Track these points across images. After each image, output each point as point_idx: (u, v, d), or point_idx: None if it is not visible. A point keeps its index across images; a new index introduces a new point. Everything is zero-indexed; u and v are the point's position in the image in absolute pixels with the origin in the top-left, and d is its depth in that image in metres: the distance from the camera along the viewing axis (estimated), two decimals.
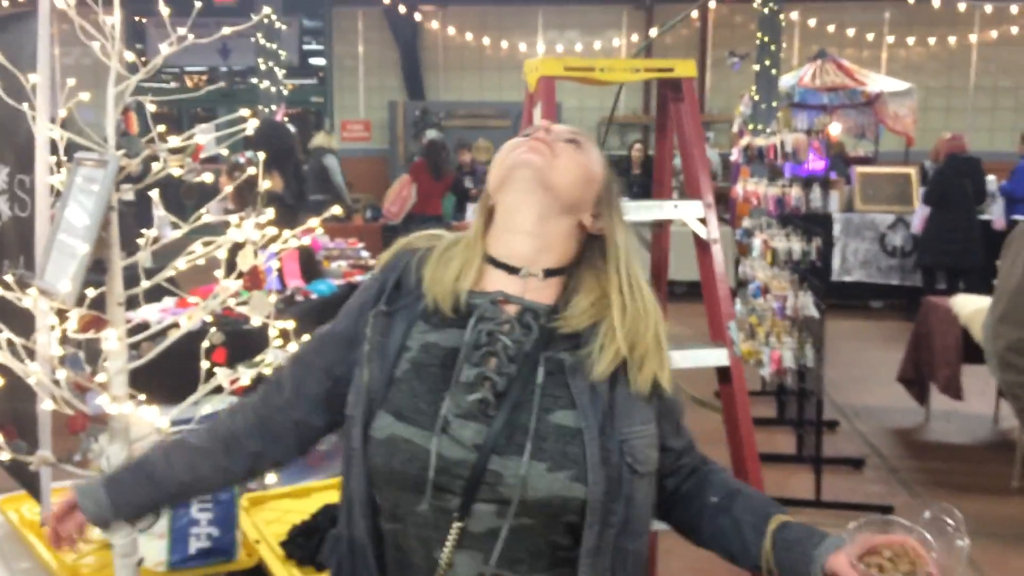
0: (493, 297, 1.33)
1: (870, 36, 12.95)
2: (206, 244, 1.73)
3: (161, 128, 1.72)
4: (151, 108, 1.76)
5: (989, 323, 2.49)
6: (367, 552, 1.32)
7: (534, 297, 1.34)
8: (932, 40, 13.00)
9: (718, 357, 2.44)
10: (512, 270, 1.35)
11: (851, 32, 12.78)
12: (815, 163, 4.70)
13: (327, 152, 10.23)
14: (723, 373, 2.48)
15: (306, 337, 1.53)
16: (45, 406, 1.72)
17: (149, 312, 3.41)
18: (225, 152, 1.81)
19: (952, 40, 12.86)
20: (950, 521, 1.25)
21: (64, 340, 1.69)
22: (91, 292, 1.66)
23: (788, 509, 1.44)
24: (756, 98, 8.84)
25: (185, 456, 1.48)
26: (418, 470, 1.24)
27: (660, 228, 2.86)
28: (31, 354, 1.69)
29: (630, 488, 1.28)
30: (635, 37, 13.45)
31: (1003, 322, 2.40)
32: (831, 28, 12.80)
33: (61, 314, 1.67)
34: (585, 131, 1.46)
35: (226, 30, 1.82)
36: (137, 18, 13.49)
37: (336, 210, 1.94)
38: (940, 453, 5.39)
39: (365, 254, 5.55)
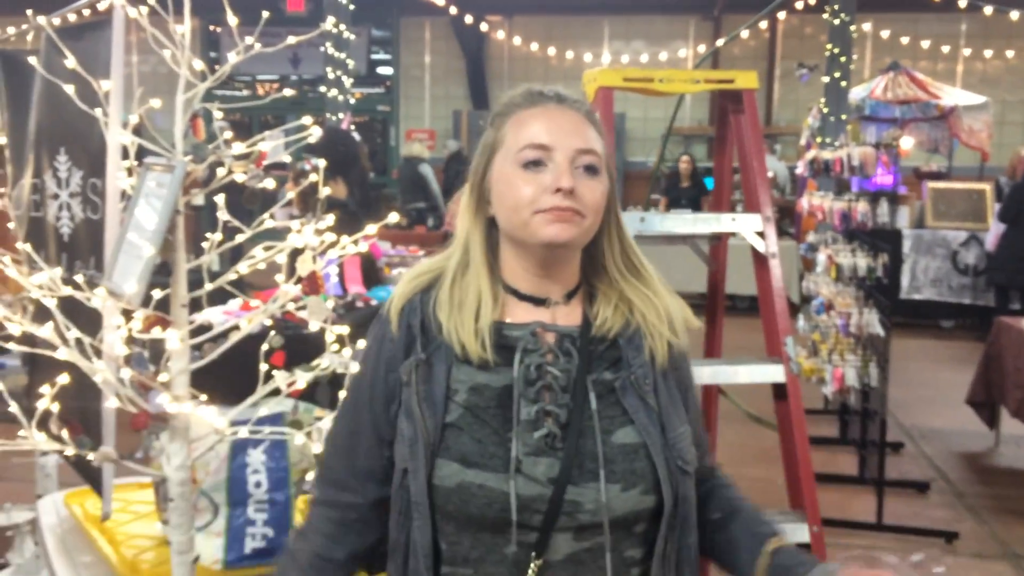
0: (532, 328, 1.32)
1: (945, 48, 12.63)
2: (267, 249, 1.76)
3: (228, 134, 1.76)
4: (218, 115, 1.80)
5: None
6: None
7: (564, 321, 1.35)
8: (1010, 53, 12.62)
9: (774, 373, 2.40)
10: (537, 301, 1.35)
11: (925, 44, 12.49)
12: (883, 177, 4.59)
13: (421, 161, 10.37)
14: (779, 390, 2.44)
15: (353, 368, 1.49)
16: (109, 404, 1.76)
17: (213, 314, 3.48)
18: (288, 159, 1.84)
19: None
20: (938, 569, 1.26)
21: (129, 340, 1.74)
22: (157, 293, 1.70)
23: (847, 531, 1.43)
24: (825, 110, 8.69)
25: None
26: (498, 512, 1.25)
27: (718, 241, 2.83)
28: (98, 353, 1.74)
29: (685, 488, 1.31)
30: (702, 48, 13.34)
31: None
32: (905, 40, 12.53)
33: (127, 314, 1.72)
34: (590, 107, 1.37)
35: (291, 39, 1.85)
36: (212, 27, 13.84)
37: (393, 217, 1.96)
38: (1009, 479, 5.21)
39: (429, 260, 5.58)
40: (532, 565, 1.25)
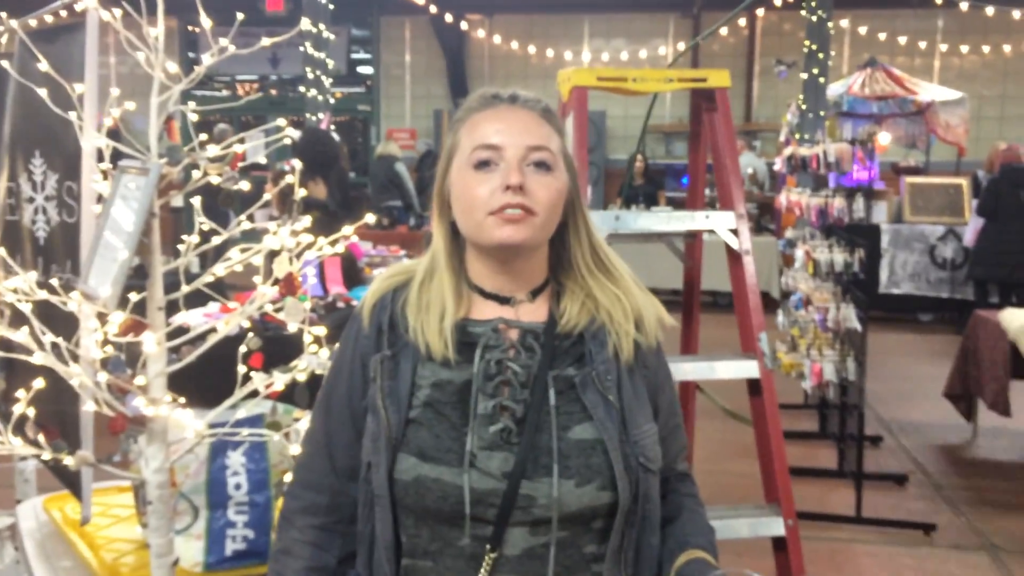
0: (494, 325, 1.34)
1: (922, 44, 12.74)
2: (243, 251, 1.77)
3: (203, 136, 1.76)
4: (193, 117, 1.80)
5: None
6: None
7: (529, 318, 1.36)
8: (986, 48, 12.74)
9: (748, 369, 2.43)
10: (502, 299, 1.37)
11: (903, 40, 12.59)
12: (860, 173, 4.63)
13: (396, 159, 10.36)
14: (754, 385, 2.47)
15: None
16: (87, 407, 1.76)
17: (193, 316, 3.48)
18: (263, 160, 1.84)
19: (1007, 48, 12.60)
20: None
21: (106, 343, 1.74)
22: (133, 296, 1.70)
23: (826, 525, 1.44)
24: (803, 107, 8.75)
25: None
26: (452, 506, 1.26)
27: (693, 238, 2.85)
28: (74, 356, 1.74)
29: (647, 486, 1.32)
30: (682, 45, 13.39)
31: None
32: (882, 36, 12.62)
33: (103, 317, 1.72)
34: (547, 105, 1.39)
35: (266, 41, 1.85)
36: (190, 27, 13.77)
37: (370, 218, 1.97)
38: (986, 470, 5.27)
39: (407, 261, 5.58)
40: (487, 558, 1.26)
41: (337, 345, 1.47)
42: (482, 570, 1.26)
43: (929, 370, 6.97)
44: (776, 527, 2.52)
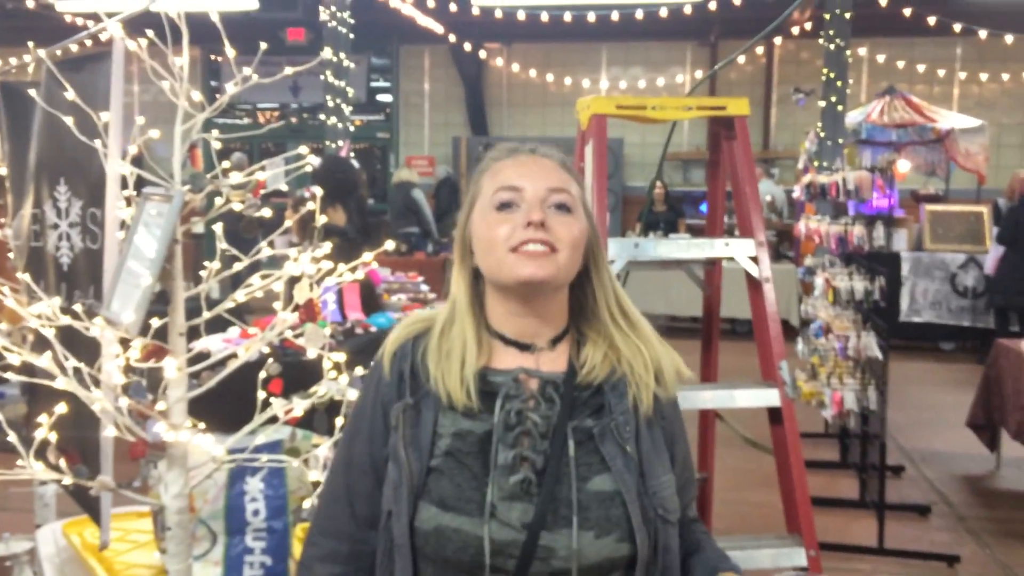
0: (514, 375, 1.35)
1: (941, 72, 12.72)
2: (264, 277, 1.78)
3: (226, 164, 1.78)
4: (216, 145, 1.82)
5: None
6: None
7: (549, 367, 1.37)
8: (1005, 76, 12.69)
9: (768, 398, 2.41)
10: (522, 347, 1.37)
11: (921, 68, 12.57)
12: (880, 201, 4.62)
13: (413, 186, 10.41)
14: (775, 414, 2.45)
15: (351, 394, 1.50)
16: (108, 433, 1.77)
17: (213, 342, 3.50)
18: (284, 188, 1.86)
19: None
20: None
21: (127, 368, 1.75)
22: (155, 322, 1.71)
23: (848, 556, 1.43)
24: (822, 134, 8.74)
25: None
26: (472, 556, 1.27)
27: (712, 265, 2.85)
28: (96, 382, 1.75)
29: (665, 537, 1.32)
30: (699, 73, 13.44)
31: None
32: (900, 64, 12.61)
33: (125, 343, 1.73)
34: (565, 157, 1.43)
35: (288, 70, 1.88)
36: (213, 56, 13.95)
37: (389, 245, 1.98)
38: (1010, 501, 5.19)
39: (425, 288, 5.60)
40: None
41: (360, 372, 1.48)
42: None
43: (951, 399, 6.88)
44: (798, 558, 2.49)
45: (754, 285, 2.47)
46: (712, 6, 10.58)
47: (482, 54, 13.29)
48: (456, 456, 1.31)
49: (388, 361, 1.40)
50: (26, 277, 1.98)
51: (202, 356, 1.85)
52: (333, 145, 8.84)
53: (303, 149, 1.82)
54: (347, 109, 9.02)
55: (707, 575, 1.37)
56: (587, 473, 1.30)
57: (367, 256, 1.96)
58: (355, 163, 6.32)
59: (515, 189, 1.34)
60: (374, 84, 14.90)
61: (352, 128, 9.38)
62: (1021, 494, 5.31)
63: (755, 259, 2.43)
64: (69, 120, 1.80)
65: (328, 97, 8.90)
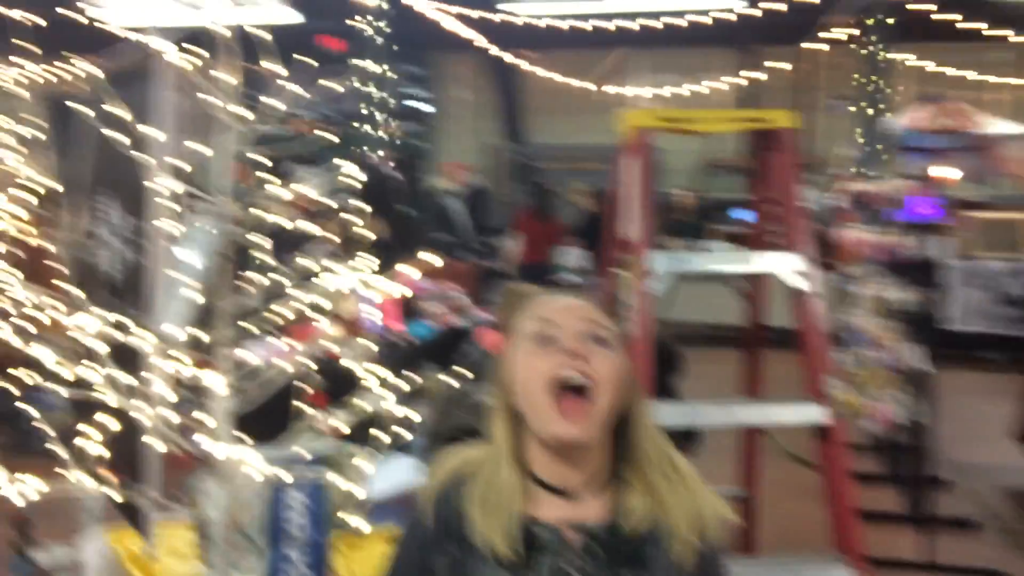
0: (559, 531, 1.32)
1: (984, 78, 12.50)
2: (308, 291, 1.78)
3: (273, 178, 1.79)
4: (263, 160, 1.83)
5: None
6: None
7: (591, 516, 1.34)
8: None
9: (812, 414, 2.37)
10: (564, 493, 1.34)
11: (965, 74, 12.37)
12: (924, 208, 4.53)
13: (448, 194, 10.42)
14: (819, 430, 2.41)
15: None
16: (154, 445, 1.78)
17: (252, 351, 3.51)
18: (327, 200, 1.87)
19: None
20: None
21: (175, 382, 1.76)
22: (200, 335, 1.72)
23: (895, 572, 1.39)
24: (862, 141, 8.63)
25: None
26: None
27: (757, 277, 2.81)
28: (144, 395, 1.76)
29: None
30: (736, 79, 13.33)
31: None
32: (943, 70, 12.42)
33: (172, 357, 1.74)
34: (600, 306, 1.38)
35: (324, 82, 1.88)
36: (252, 66, 14.11)
37: (436, 261, 1.97)
38: None
39: (461, 296, 5.60)
40: None
41: (401, 385, 1.47)
42: None
43: (998, 410, 6.72)
44: None
45: (800, 299, 2.43)
46: (755, 11, 10.50)
47: (518, 62, 13.30)
48: None
49: (430, 506, 1.39)
50: (74, 289, 2.01)
51: (247, 371, 1.85)
52: (372, 155, 8.89)
53: (347, 164, 1.82)
54: (384, 119, 9.07)
55: None
56: None
57: (405, 267, 1.96)
58: (395, 174, 6.35)
59: (552, 323, 1.32)
60: (411, 93, 14.99)
61: (389, 138, 9.43)
62: None
63: (803, 273, 2.39)
64: (121, 136, 1.81)
65: (364, 106, 8.96)
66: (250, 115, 1.76)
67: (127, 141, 1.83)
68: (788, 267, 2.39)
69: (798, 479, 4.76)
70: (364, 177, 1.96)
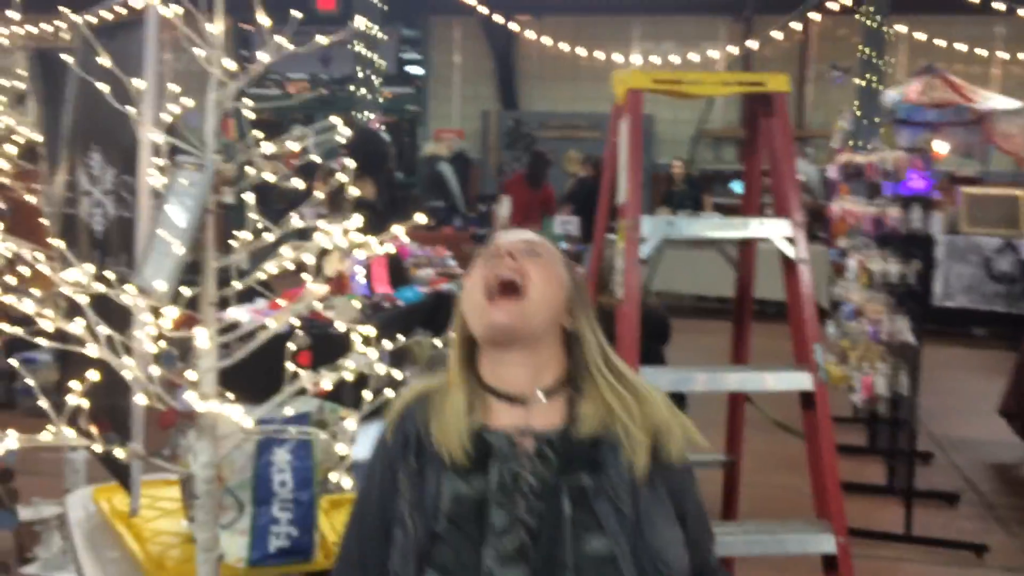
0: (509, 436, 1.36)
1: (981, 51, 12.46)
2: (295, 248, 1.77)
3: (259, 134, 1.76)
4: (250, 114, 1.81)
5: None
6: None
7: (543, 423, 1.37)
8: None
9: (801, 381, 2.38)
10: (515, 400, 1.38)
11: (961, 47, 12.32)
12: (916, 182, 4.53)
13: (441, 159, 10.38)
14: (807, 398, 2.42)
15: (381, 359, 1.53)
16: (138, 401, 1.77)
17: (241, 312, 3.51)
18: (318, 159, 1.85)
19: None
20: None
21: (159, 337, 1.75)
22: (187, 291, 1.71)
23: (874, 543, 1.40)
24: (858, 113, 8.60)
25: None
26: None
27: (746, 245, 2.81)
28: (128, 350, 1.75)
29: None
30: (732, 49, 13.26)
31: None
32: (940, 42, 12.37)
33: (157, 312, 1.73)
34: (549, 243, 1.48)
35: (321, 39, 1.85)
36: (243, 25, 13.95)
37: (420, 218, 1.95)
38: None
39: (452, 262, 5.59)
40: None
41: (388, 346, 1.49)
42: None
43: (983, 386, 6.79)
44: (827, 544, 2.46)
45: (789, 266, 2.43)
46: None
47: (513, 26, 13.19)
48: (455, 521, 1.33)
49: (392, 425, 1.44)
50: (59, 243, 1.99)
51: (232, 326, 1.84)
52: (362, 117, 8.83)
53: (335, 119, 1.80)
54: (377, 81, 9.00)
55: None
56: (583, 534, 1.31)
57: (397, 229, 1.94)
58: (385, 136, 6.31)
59: (498, 246, 1.43)
60: (404, 56, 14.86)
61: (382, 100, 9.36)
62: None
63: (791, 240, 2.39)
64: (103, 87, 1.79)
65: (358, 68, 8.88)
66: (239, 70, 1.73)
67: (112, 94, 1.80)
68: (778, 233, 2.38)
69: (783, 452, 4.80)
70: (354, 138, 1.95)
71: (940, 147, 9.06)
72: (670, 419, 1.40)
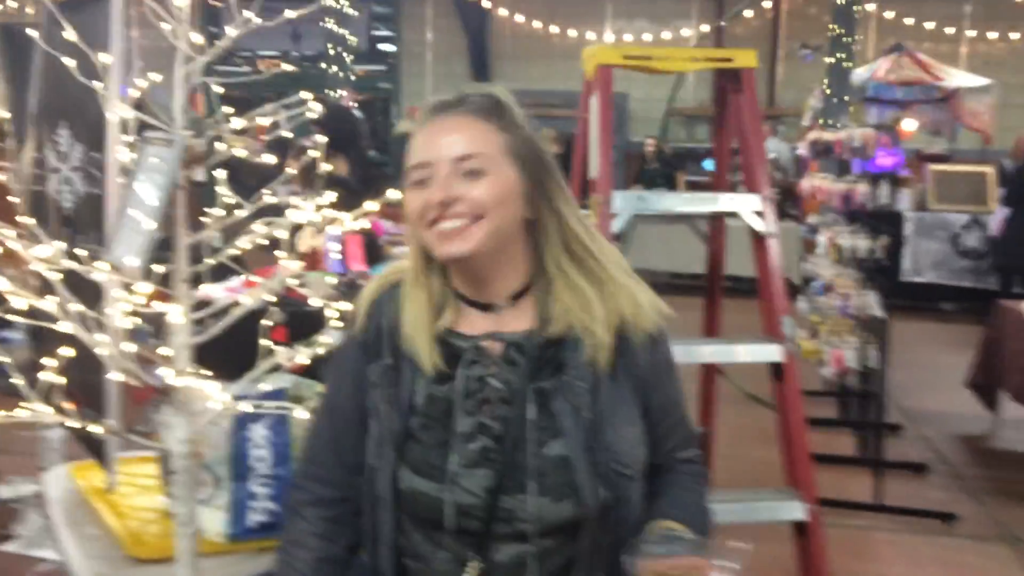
0: (477, 341, 1.35)
1: (949, 30, 12.56)
2: (267, 225, 1.76)
3: (228, 109, 1.76)
4: (219, 90, 1.80)
5: None
6: None
7: (514, 326, 1.35)
8: (1014, 35, 12.55)
9: (770, 353, 2.42)
10: (483, 307, 1.36)
11: (930, 25, 12.42)
12: (884, 159, 4.58)
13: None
14: (777, 369, 2.46)
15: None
16: (112, 377, 1.77)
17: (215, 291, 3.49)
18: (290, 135, 1.84)
19: None
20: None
21: (132, 313, 1.74)
22: (159, 269, 1.70)
23: (845, 512, 1.42)
24: (828, 92, 8.66)
25: None
26: (439, 518, 1.31)
27: (717, 221, 2.84)
28: (100, 326, 1.75)
29: (624, 491, 1.32)
30: (705, 27, 13.28)
31: None
32: (909, 21, 12.45)
33: (129, 288, 1.72)
34: (490, 104, 1.34)
35: (290, 13, 1.84)
36: (212, 0, 13.76)
37: (396, 196, 1.95)
38: (1008, 462, 5.24)
39: (398, 262, 5.55)
40: (472, 565, 1.30)
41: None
42: (466, 575, 1.30)
43: (951, 359, 6.90)
44: (797, 511, 2.51)
45: (758, 240, 2.46)
46: None
47: (486, 3, 13.11)
48: (426, 421, 1.33)
49: (365, 315, 1.41)
50: (28, 221, 1.97)
51: (205, 303, 1.84)
52: (335, 95, 8.77)
53: (306, 94, 1.79)
54: (348, 58, 8.92)
55: (650, 519, 1.35)
56: (546, 437, 1.30)
57: (370, 207, 1.94)
58: (357, 113, 6.27)
59: (424, 165, 1.31)
60: (376, 33, 14.72)
61: (353, 78, 9.29)
62: (1019, 454, 5.35)
63: (760, 214, 2.42)
64: (70, 62, 1.77)
65: (329, 45, 8.80)
66: (206, 44, 1.72)
67: (79, 69, 1.78)
68: (747, 207, 2.41)
69: (756, 425, 4.87)
70: (325, 114, 1.94)
71: (908, 125, 9.15)
72: (636, 296, 1.36)
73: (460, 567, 1.31)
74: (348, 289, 3.99)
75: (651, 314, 1.37)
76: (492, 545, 1.30)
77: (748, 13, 12.14)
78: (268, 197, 1.80)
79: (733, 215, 2.65)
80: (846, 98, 8.58)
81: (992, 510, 4.46)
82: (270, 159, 1.85)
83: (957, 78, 9.99)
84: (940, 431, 5.61)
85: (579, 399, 1.31)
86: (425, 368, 1.33)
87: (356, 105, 9.05)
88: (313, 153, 1.89)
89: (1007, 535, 4.18)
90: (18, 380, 1.69)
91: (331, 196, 1.85)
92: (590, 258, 1.34)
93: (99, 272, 1.70)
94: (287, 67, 2.27)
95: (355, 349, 1.42)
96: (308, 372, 2.13)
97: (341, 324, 1.88)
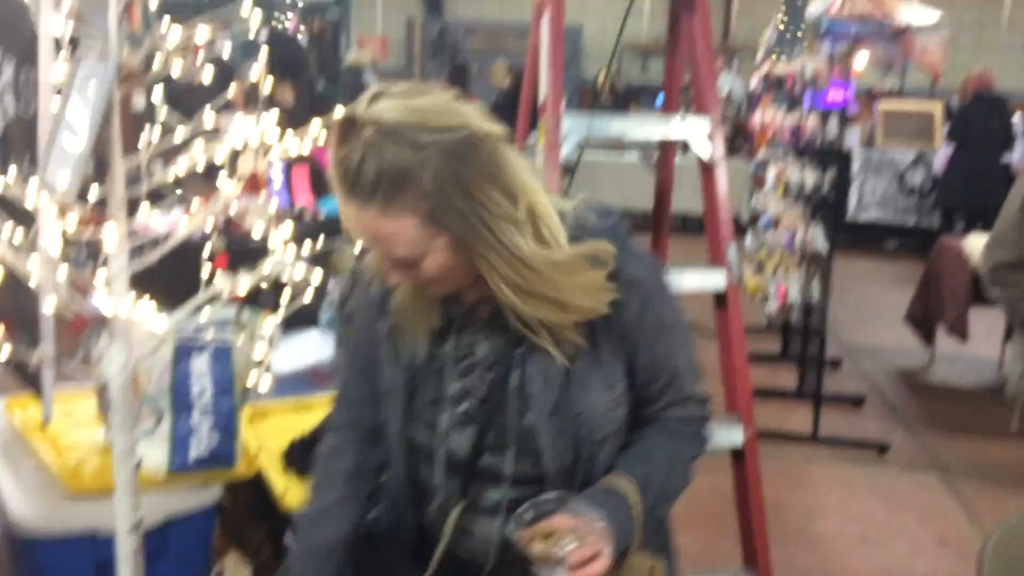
0: (465, 305, 1.38)
1: None
2: (207, 146, 1.71)
3: (163, 24, 1.68)
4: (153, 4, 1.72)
5: (983, 247, 2.59)
6: (407, 505, 1.48)
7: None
8: None
9: (715, 280, 2.43)
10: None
11: None
12: (835, 94, 4.59)
13: (363, 69, 10.04)
14: (720, 299, 2.48)
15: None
16: (47, 304, 1.72)
17: (155, 220, 3.40)
18: (227, 56, 1.77)
19: None
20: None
21: (66, 239, 1.68)
22: (95, 193, 1.64)
23: (784, 443, 1.45)
24: (782, 27, 8.62)
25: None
26: (431, 466, 1.42)
27: (666, 150, 2.82)
28: (33, 249, 1.69)
29: (592, 452, 1.36)
30: None
31: (991, 245, 2.53)
32: None
33: (63, 212, 1.66)
34: (385, 188, 1.21)
35: None
36: None
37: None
38: (942, 394, 5.41)
39: None
40: (456, 507, 1.39)
41: (308, 254, 1.63)
42: (451, 518, 1.39)
43: (892, 296, 7.07)
44: (735, 436, 2.56)
45: (706, 169, 2.46)
46: None
47: None
48: (423, 379, 1.40)
49: (374, 274, 1.45)
50: None
51: (143, 230, 1.79)
52: (280, 20, 8.51)
53: (247, 10, 1.72)
54: None
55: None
56: (525, 407, 1.35)
57: (316, 132, 1.89)
58: (303, 41, 6.09)
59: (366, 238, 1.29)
60: None
61: (300, 4, 9.01)
62: (952, 388, 5.53)
63: (711, 137, 2.41)
64: None
65: None
66: None
67: None
68: (698, 130, 2.40)
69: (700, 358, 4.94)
70: (269, 39, 1.88)
71: (860, 59, 9.17)
72: (594, 278, 1.31)
73: (450, 506, 1.41)
74: (295, 223, 3.92)
75: (608, 296, 1.31)
76: (480, 492, 1.39)
77: None
78: (208, 119, 1.74)
79: (684, 147, 2.64)
80: (799, 34, 8.55)
81: (924, 440, 4.62)
82: (209, 76, 1.77)
83: (909, 14, 10.01)
84: (878, 365, 5.77)
85: (550, 369, 1.33)
86: (421, 332, 1.40)
87: (302, 32, 8.80)
88: (255, 75, 1.82)
89: (937, 464, 4.34)
90: None
91: (273, 116, 1.79)
92: (538, 280, 1.27)
93: (31, 194, 1.64)
94: None
95: (368, 305, 1.48)
96: (250, 301, 2.09)
97: (285, 255, 1.85)
